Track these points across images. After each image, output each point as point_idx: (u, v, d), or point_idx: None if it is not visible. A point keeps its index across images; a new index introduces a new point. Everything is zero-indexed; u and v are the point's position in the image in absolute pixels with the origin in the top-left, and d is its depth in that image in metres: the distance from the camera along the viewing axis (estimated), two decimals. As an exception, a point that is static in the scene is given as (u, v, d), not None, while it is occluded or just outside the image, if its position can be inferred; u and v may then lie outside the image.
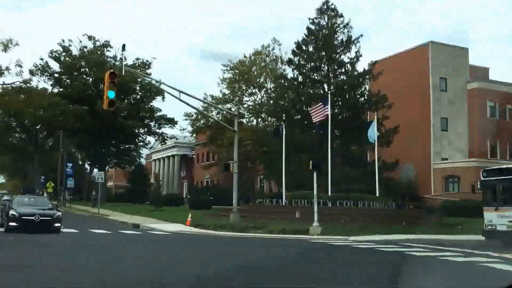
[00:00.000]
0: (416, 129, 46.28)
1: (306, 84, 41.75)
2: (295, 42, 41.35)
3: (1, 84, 52.45)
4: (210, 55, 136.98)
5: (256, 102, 56.47)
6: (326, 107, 32.18)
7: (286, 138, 34.52)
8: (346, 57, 40.91)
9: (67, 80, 64.16)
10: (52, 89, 64.06)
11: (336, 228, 23.80)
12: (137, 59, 64.04)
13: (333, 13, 40.86)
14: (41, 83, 63.22)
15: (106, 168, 68.34)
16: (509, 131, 48.57)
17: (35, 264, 11.89)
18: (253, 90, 56.35)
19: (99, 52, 64.38)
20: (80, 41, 64.23)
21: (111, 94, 22.98)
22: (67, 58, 63.86)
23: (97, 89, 62.23)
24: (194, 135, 71.59)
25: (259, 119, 56.58)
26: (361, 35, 40.62)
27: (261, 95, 56.38)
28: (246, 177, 51.59)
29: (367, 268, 12.57)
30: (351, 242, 20.30)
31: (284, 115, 38.48)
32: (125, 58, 62.33)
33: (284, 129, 34.65)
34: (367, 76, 40.93)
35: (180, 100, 27.58)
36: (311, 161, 24.24)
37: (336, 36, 40.88)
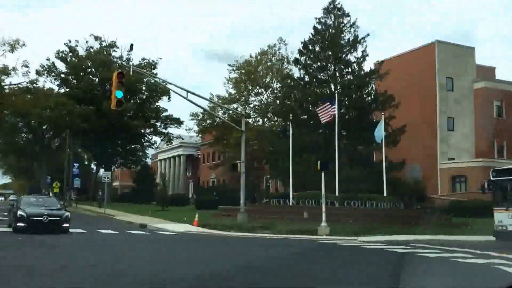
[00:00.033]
0: (422, 129, 46.07)
1: (313, 84, 41.67)
2: (301, 42, 41.42)
3: (8, 85, 52.70)
4: (214, 55, 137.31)
5: (262, 102, 56.45)
6: (333, 107, 32.05)
7: (292, 138, 34.50)
8: (352, 57, 40.95)
9: (74, 81, 64.37)
10: (59, 89, 64.47)
11: (345, 228, 23.68)
12: (143, 59, 64.34)
13: (339, 13, 40.79)
14: (48, 83, 63.68)
15: (112, 168, 68.47)
16: (516, 131, 48.31)
17: (49, 266, 11.86)
18: (259, 90, 56.33)
19: (105, 52, 64.59)
20: (87, 42, 64.64)
21: (119, 94, 22.98)
22: (73, 59, 64.11)
23: (103, 89, 62.47)
24: (200, 135, 71.64)
25: (265, 119, 56.53)
26: (368, 34, 40.60)
27: (267, 95, 56.39)
28: (252, 177, 51.56)
29: (383, 270, 12.47)
30: (361, 242, 20.16)
31: (290, 115, 38.43)
32: (131, 58, 62.73)
33: (291, 129, 34.59)
34: (373, 76, 40.82)
35: (188, 100, 27.62)
36: (319, 161, 24.07)
37: (342, 35, 40.83)
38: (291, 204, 32.64)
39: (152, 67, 63.42)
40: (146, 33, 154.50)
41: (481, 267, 13.08)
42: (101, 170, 67.15)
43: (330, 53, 40.37)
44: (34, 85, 56.75)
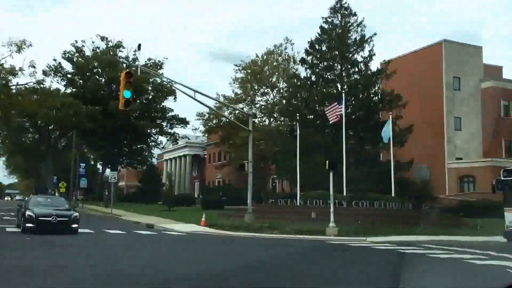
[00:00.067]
0: (428, 128, 45.87)
1: (319, 84, 41.51)
2: (308, 41, 41.23)
3: (15, 85, 52.70)
4: (214, 55, 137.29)
5: (269, 102, 56.37)
6: (340, 106, 31.92)
7: (300, 137, 34.42)
8: (359, 56, 40.69)
9: (80, 81, 64.48)
10: (65, 89, 64.53)
11: (353, 229, 23.56)
12: (149, 59, 64.29)
13: (346, 12, 40.61)
14: (54, 83, 63.76)
15: (118, 168, 68.58)
16: (523, 130, 48.07)
17: (59, 266, 11.83)
18: (266, 90, 56.26)
19: (111, 53, 64.66)
20: (93, 42, 64.79)
21: (127, 94, 22.93)
22: (80, 59, 64.20)
23: (109, 89, 62.57)
24: (206, 135, 71.63)
25: (272, 119, 56.46)
26: (375, 34, 40.40)
27: (273, 94, 56.32)
28: (258, 177, 51.45)
29: (398, 271, 12.36)
30: (370, 243, 20.04)
31: (297, 114, 38.30)
32: (137, 58, 62.75)
33: (298, 129, 34.51)
34: (380, 76, 40.63)
35: (196, 99, 27.57)
36: (327, 161, 23.97)
37: (349, 35, 40.64)
38: (298, 204, 32.55)
39: (158, 67, 63.44)
40: (146, 33, 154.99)
41: (495, 268, 12.95)
42: (107, 170, 67.22)
43: (337, 52, 40.20)
44: (41, 85, 56.74)
